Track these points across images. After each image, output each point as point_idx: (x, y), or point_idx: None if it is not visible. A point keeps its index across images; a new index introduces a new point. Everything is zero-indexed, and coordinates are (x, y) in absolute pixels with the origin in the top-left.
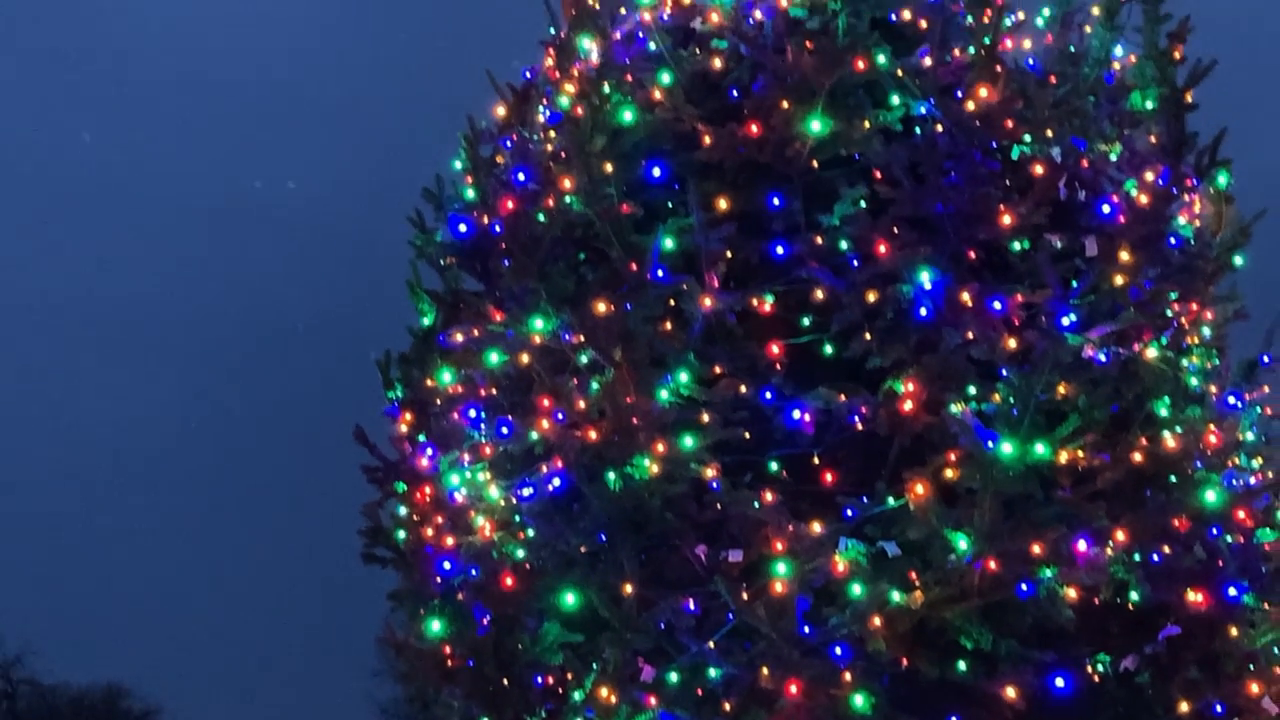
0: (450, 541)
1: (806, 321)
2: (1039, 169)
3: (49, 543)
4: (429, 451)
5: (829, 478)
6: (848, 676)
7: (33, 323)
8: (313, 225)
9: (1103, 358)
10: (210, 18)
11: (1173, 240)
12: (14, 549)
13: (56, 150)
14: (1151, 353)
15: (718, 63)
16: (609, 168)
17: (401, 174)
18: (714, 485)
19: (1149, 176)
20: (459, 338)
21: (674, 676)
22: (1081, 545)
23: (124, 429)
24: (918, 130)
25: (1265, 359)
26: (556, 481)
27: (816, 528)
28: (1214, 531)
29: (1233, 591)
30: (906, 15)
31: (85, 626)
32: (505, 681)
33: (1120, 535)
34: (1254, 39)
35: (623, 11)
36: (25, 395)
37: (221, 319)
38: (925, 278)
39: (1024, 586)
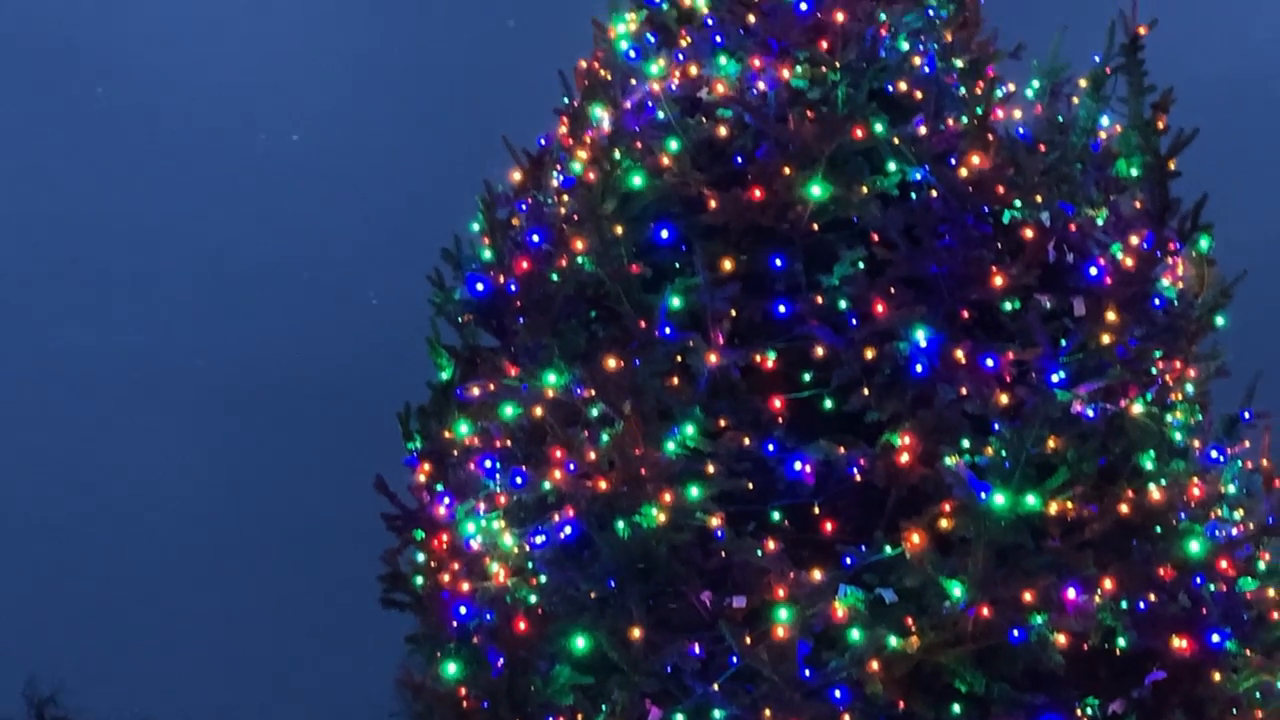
0: (466, 587)
1: (807, 377)
2: (1029, 232)
3: (81, 583)
4: (446, 500)
5: (829, 527)
6: (847, 718)
7: (65, 379)
8: (337, 284)
9: (1090, 413)
10: (248, 85)
11: (1157, 301)
12: (47, 589)
13: (82, 208)
14: (1137, 409)
15: (723, 131)
16: (619, 230)
17: (422, 236)
18: (719, 534)
19: (1134, 240)
20: (475, 391)
21: (680, 718)
22: (1071, 593)
23: (152, 475)
24: (913, 195)
25: (1246, 415)
26: (568, 530)
27: (817, 575)
28: (1198, 580)
29: (1216, 638)
30: (903, 86)
31: (117, 665)
32: None
33: (1108, 583)
34: (1236, 108)
35: (633, 82)
36: (52, 444)
37: (251, 374)
38: (921, 336)
39: (1016, 632)
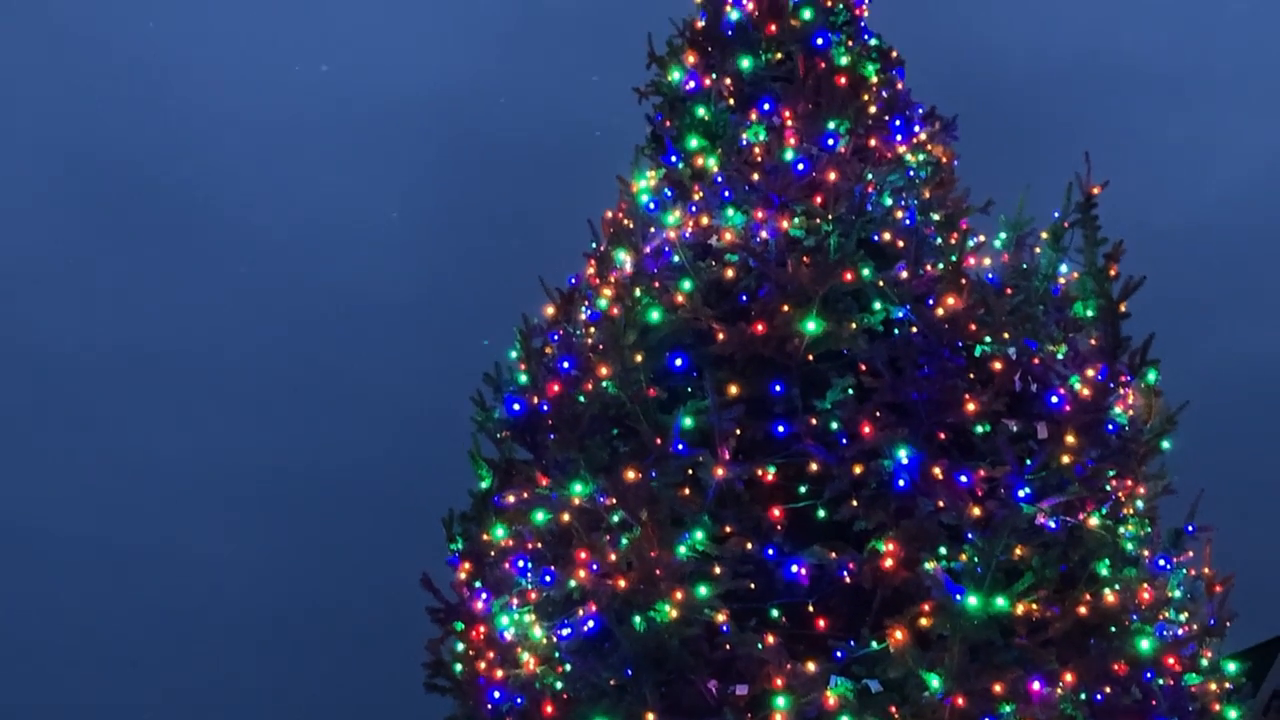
0: (500, 674)
1: (803, 489)
2: (998, 365)
3: (140, 665)
4: (483, 596)
5: (821, 624)
6: None
7: (135, 478)
8: (388, 404)
9: (1053, 525)
10: (321, 231)
11: (1111, 427)
12: (103, 667)
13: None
14: (1094, 521)
15: (730, 273)
16: (639, 358)
17: (467, 363)
18: (724, 628)
19: (1090, 373)
20: (511, 499)
21: None
22: (1036, 685)
23: (216, 572)
24: (896, 331)
25: (1190, 528)
26: (591, 623)
27: (811, 666)
28: (1148, 675)
29: None
30: (887, 236)
31: None
32: None
33: (1069, 677)
34: (1181, 258)
35: (652, 230)
36: (133, 531)
37: (315, 482)
38: (903, 454)
39: None
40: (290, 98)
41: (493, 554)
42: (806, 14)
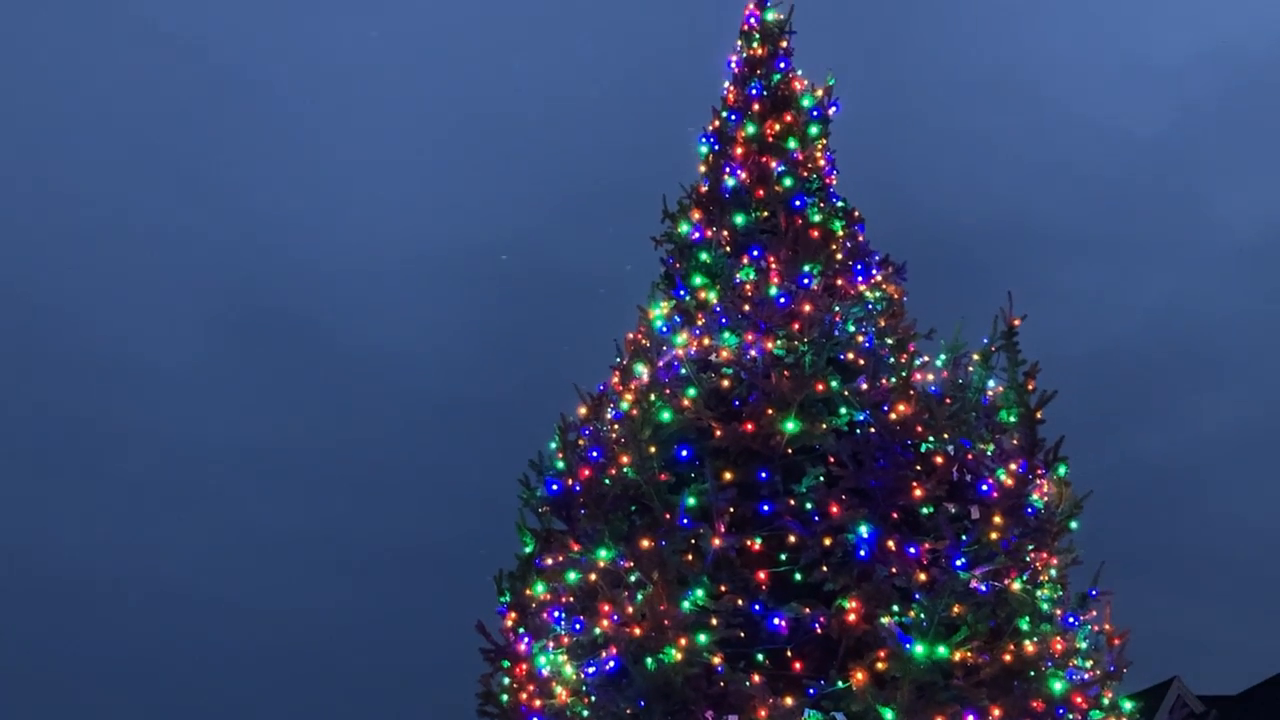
0: (538, 704)
1: (783, 557)
2: (939, 459)
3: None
4: (526, 640)
5: (798, 666)
6: None
7: (257, 549)
8: (450, 484)
9: (984, 588)
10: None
11: (1030, 510)
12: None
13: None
14: (1016, 586)
15: (726, 383)
16: (653, 449)
17: (515, 451)
18: (719, 669)
19: (1013, 466)
20: (549, 561)
21: None
22: (970, 719)
23: (288, 624)
24: (858, 431)
25: (1093, 592)
26: (612, 663)
27: (789, 701)
28: (1060, 711)
29: None
30: (850, 356)
31: None
32: None
33: (997, 712)
34: (1091, 376)
35: (664, 348)
36: (224, 589)
37: (394, 547)
38: (864, 530)
39: None
40: (384, 245)
41: (534, 606)
42: (787, 182)
